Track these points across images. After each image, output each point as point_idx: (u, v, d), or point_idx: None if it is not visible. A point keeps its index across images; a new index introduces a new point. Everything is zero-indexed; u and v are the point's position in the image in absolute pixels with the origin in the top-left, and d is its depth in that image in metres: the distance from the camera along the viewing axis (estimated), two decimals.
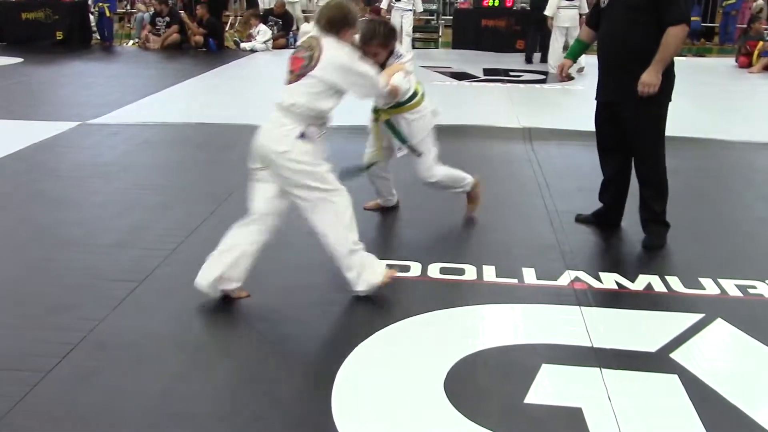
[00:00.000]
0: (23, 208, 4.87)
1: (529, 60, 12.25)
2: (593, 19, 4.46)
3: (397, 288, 3.70)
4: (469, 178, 4.64)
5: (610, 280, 3.80)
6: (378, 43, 3.96)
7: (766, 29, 12.89)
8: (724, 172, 6.04)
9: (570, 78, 4.86)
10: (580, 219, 4.65)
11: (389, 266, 3.69)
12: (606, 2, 4.24)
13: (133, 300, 3.54)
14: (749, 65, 11.62)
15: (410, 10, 12.18)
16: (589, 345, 3.14)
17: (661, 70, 4.01)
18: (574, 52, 4.66)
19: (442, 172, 4.49)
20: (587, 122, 7.30)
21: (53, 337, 3.15)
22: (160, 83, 9.79)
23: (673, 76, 4.15)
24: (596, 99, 4.44)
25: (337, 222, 3.42)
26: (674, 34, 3.97)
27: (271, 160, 3.34)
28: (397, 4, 11.50)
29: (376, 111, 4.39)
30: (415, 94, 4.28)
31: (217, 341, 3.25)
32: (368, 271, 3.53)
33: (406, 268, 3.91)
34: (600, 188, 4.58)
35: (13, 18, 13.56)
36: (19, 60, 11.65)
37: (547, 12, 11.17)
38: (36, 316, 3.39)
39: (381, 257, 4.00)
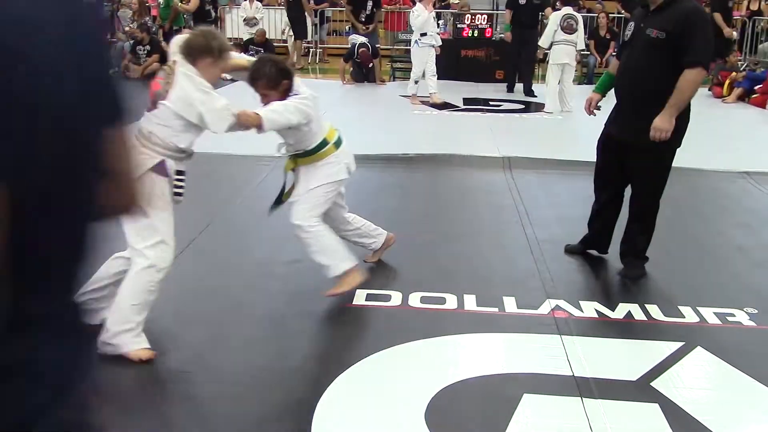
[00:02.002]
0: None
1: (510, 89, 11.96)
2: (621, 51, 4.39)
3: (378, 317, 3.69)
4: (344, 264, 3.83)
5: (590, 309, 3.81)
6: (264, 84, 3.58)
7: (739, 60, 13.13)
8: (701, 201, 6.11)
9: (597, 109, 4.51)
10: (568, 249, 4.63)
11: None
12: (629, 36, 4.15)
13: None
14: (722, 95, 11.83)
15: (433, 45, 10.77)
16: (570, 374, 3.13)
17: (674, 115, 3.89)
18: (604, 85, 4.48)
19: (314, 225, 3.78)
20: (567, 151, 7.43)
21: None
22: (140, 112, 9.74)
23: (688, 120, 4.03)
24: (605, 127, 4.35)
25: (133, 283, 3.14)
26: (689, 77, 3.84)
27: None
28: (423, 39, 10.77)
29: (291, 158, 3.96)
30: (324, 143, 3.84)
31: (194, 371, 3.20)
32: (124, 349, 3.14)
33: (387, 297, 3.89)
34: (591, 213, 4.56)
35: None
36: None
37: (542, 43, 10.61)
38: None
39: (362, 286, 4.00)
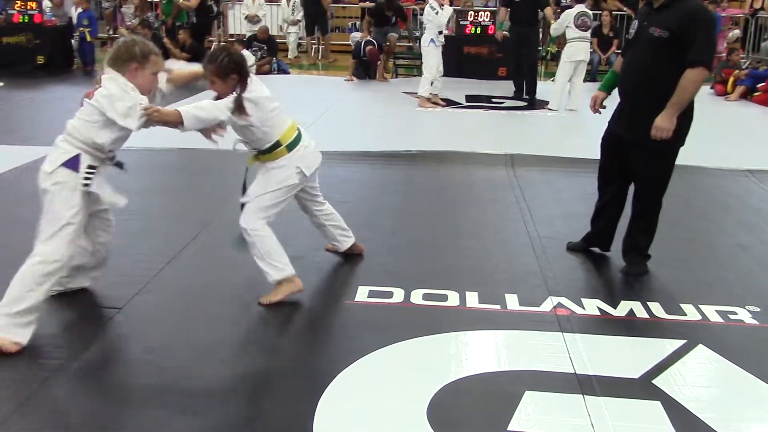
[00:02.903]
0: (0, 233, 4.81)
1: (518, 95, 11.22)
2: (625, 49, 4.37)
3: (380, 314, 3.69)
4: (285, 270, 3.78)
5: (592, 306, 3.81)
6: (213, 70, 3.60)
7: (742, 58, 13.10)
8: (703, 199, 6.10)
9: (603, 108, 4.48)
10: (571, 247, 4.63)
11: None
12: (633, 34, 4.15)
13: (112, 328, 3.49)
14: (725, 93, 11.80)
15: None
16: (572, 371, 3.13)
17: (675, 114, 3.88)
18: (609, 83, 4.46)
19: (259, 228, 3.74)
20: (570, 149, 7.42)
21: (30, 368, 3.10)
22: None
23: (691, 119, 4.02)
24: (609, 125, 4.34)
25: (22, 275, 3.26)
26: (691, 77, 3.82)
27: (40, 181, 3.36)
28: (440, 37, 10.64)
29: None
30: (277, 145, 3.76)
31: (196, 370, 3.20)
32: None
33: (389, 294, 3.89)
34: (594, 211, 4.55)
35: None
36: None
37: (553, 32, 10.59)
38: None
39: (364, 283, 4.01)
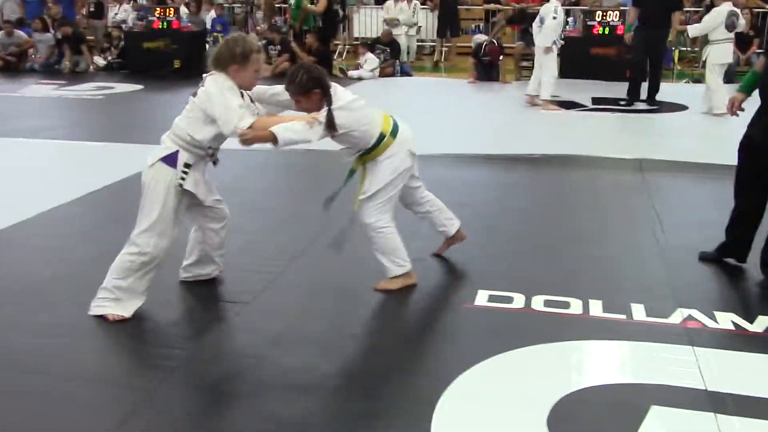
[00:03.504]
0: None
1: (631, 102, 10.27)
2: None
3: (499, 319, 3.64)
4: (405, 267, 3.92)
5: (726, 320, 3.60)
6: (294, 91, 3.66)
7: None
8: None
9: (741, 110, 4.30)
10: (703, 257, 4.40)
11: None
12: None
13: (239, 322, 3.62)
14: None
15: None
16: (703, 388, 2.98)
17: None
18: (749, 84, 4.26)
19: (385, 224, 3.85)
20: (705, 154, 7.08)
21: (158, 354, 3.27)
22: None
23: None
24: (748, 130, 4.14)
25: (116, 264, 3.58)
26: None
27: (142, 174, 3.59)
28: (559, 40, 10.48)
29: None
30: (382, 137, 3.80)
31: (316, 366, 3.26)
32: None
33: (509, 299, 3.84)
34: (729, 219, 4.32)
35: (136, 47, 14.31)
36: (140, 87, 12.27)
37: (697, 32, 9.97)
38: (140, 334, 3.52)
39: (484, 287, 3.97)
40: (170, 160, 3.54)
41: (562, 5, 10.76)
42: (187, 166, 3.55)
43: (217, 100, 3.43)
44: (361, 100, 3.79)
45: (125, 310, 3.56)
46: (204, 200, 3.72)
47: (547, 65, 10.10)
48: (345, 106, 3.66)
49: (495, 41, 12.39)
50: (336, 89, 3.71)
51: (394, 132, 3.85)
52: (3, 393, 2.96)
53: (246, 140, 3.43)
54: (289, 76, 3.69)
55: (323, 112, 3.59)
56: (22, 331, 3.48)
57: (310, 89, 3.62)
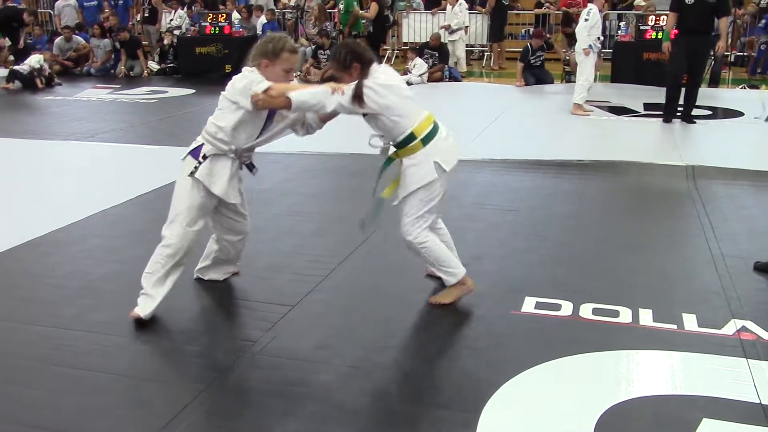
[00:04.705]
0: None
1: (668, 119, 9.28)
2: None
3: (547, 327, 3.61)
4: (457, 273, 3.80)
5: None
6: (335, 68, 3.68)
7: None
8: None
9: None
10: (759, 267, 4.28)
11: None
12: None
13: (285, 323, 3.66)
14: None
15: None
16: (757, 401, 2.90)
17: None
18: None
19: (423, 240, 3.72)
20: (759, 161, 6.90)
21: (212, 354, 3.32)
22: None
23: None
24: None
25: (152, 257, 3.66)
26: None
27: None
28: (597, 43, 10.37)
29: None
30: (411, 138, 3.62)
31: (362, 369, 3.27)
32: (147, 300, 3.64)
33: (557, 307, 3.80)
34: None
35: (188, 52, 14.57)
36: (192, 91, 12.48)
37: None
38: (191, 336, 3.58)
39: (531, 294, 3.94)
40: (196, 153, 3.63)
41: (614, 9, 10.61)
42: (204, 157, 3.61)
43: (239, 83, 3.54)
44: (406, 89, 3.70)
45: (142, 310, 3.59)
46: (223, 197, 3.67)
47: (582, 68, 10.00)
48: (374, 86, 3.52)
49: (544, 45, 12.32)
50: (380, 68, 3.64)
51: (427, 139, 3.62)
52: (61, 390, 3.04)
53: (259, 103, 3.51)
54: (332, 55, 3.76)
55: (352, 84, 3.54)
56: (83, 330, 3.58)
57: (350, 63, 3.60)
